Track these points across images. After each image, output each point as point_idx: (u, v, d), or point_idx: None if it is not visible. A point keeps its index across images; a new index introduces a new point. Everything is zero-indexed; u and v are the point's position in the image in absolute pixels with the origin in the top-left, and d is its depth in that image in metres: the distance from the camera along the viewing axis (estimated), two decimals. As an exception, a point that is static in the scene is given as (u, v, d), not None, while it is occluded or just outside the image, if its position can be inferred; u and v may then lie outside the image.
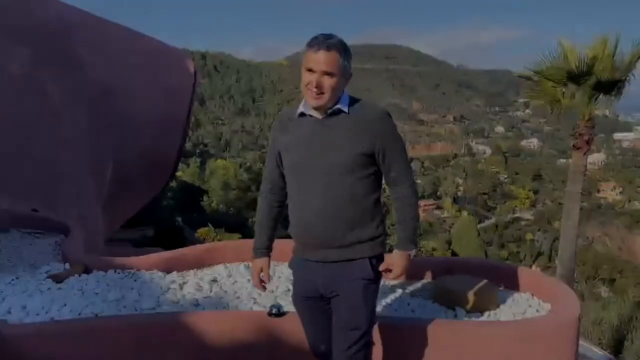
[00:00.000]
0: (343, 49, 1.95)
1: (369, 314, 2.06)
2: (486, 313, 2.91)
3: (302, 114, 2.06)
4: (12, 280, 3.62)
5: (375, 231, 2.05)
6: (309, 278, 2.12)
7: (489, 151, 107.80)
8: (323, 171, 1.99)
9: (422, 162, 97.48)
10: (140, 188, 9.07)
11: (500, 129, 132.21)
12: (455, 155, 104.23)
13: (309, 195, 2.02)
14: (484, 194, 78.99)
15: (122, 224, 9.51)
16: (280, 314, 2.65)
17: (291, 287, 3.31)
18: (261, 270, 2.28)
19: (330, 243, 2.02)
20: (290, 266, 2.27)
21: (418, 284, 3.33)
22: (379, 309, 2.95)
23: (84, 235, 4.83)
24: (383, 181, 2.13)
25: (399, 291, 3.23)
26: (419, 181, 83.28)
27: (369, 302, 2.06)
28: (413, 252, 2.08)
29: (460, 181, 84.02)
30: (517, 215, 72.30)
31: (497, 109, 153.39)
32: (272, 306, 2.69)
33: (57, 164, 6.63)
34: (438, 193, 79.31)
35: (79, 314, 2.88)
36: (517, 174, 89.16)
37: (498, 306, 2.99)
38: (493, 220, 68.77)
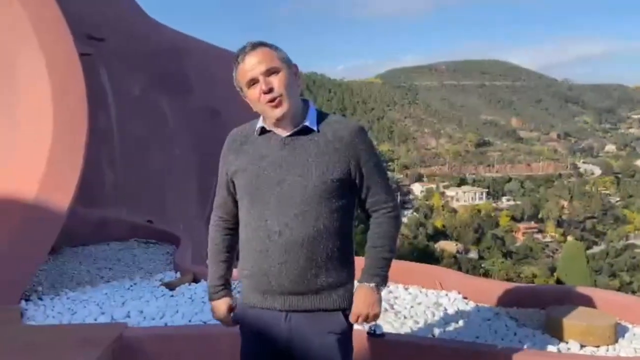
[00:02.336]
0: (268, 43, 1.71)
1: None
2: (603, 347, 2.68)
3: (263, 131, 1.76)
4: (131, 286, 3.97)
5: (348, 275, 1.73)
6: (267, 333, 1.71)
7: (597, 171, 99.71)
8: (290, 200, 1.66)
9: (522, 182, 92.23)
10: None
11: (611, 147, 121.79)
12: (560, 175, 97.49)
13: (270, 229, 1.66)
14: (592, 217, 72.99)
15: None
16: (380, 334, 2.61)
17: (388, 307, 3.28)
18: (230, 310, 1.86)
19: (297, 288, 1.67)
20: (235, 318, 1.85)
21: (526, 313, 3.15)
22: (485, 334, 2.83)
23: (191, 247, 5.16)
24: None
25: (505, 319, 3.07)
26: (518, 202, 78.97)
27: None
28: (381, 288, 1.75)
29: (565, 203, 78.28)
30: (631, 241, 65.88)
31: (607, 125, 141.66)
32: (374, 326, 2.53)
33: (168, 180, 7.19)
34: (540, 215, 74.47)
35: (190, 320, 3.08)
36: (631, 196, 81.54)
37: (616, 340, 2.74)
38: (603, 246, 63.26)
